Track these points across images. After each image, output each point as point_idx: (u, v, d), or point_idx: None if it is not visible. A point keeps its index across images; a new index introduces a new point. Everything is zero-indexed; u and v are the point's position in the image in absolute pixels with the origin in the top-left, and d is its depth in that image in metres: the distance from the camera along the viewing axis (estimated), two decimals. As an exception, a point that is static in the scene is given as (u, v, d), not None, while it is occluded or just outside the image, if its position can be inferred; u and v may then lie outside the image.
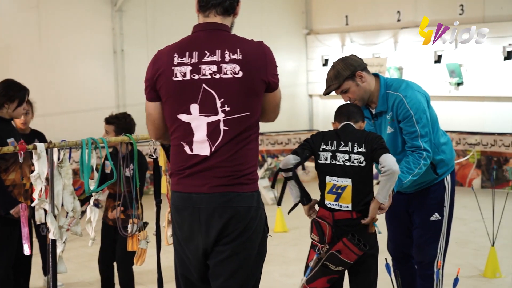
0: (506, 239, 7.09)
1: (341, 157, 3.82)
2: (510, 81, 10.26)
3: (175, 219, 3.25)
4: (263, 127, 12.33)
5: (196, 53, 3.11)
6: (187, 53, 3.12)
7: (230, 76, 3.06)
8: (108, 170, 5.15)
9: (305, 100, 13.47)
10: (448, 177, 4.32)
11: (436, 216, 4.26)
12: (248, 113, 3.11)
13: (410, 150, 4.14)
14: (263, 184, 9.81)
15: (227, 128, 3.10)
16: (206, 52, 3.10)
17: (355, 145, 3.81)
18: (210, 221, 3.13)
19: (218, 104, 3.09)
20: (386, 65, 11.50)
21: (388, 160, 3.66)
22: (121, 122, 5.25)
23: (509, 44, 10.16)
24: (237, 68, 3.06)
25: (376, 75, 4.29)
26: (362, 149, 3.77)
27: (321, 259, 3.81)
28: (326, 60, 12.82)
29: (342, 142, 3.84)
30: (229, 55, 3.08)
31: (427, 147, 4.10)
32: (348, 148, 3.82)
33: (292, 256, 6.93)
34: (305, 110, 13.47)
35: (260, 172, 9.87)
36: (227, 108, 3.09)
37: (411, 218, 4.40)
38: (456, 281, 3.47)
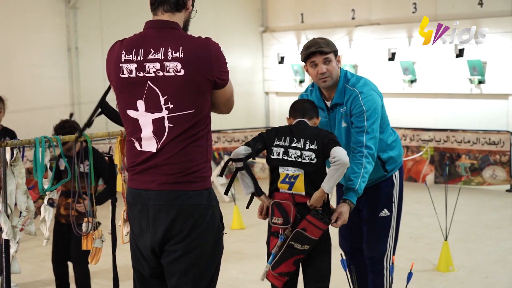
0: (458, 233, 7.22)
1: (293, 153, 3.84)
2: (461, 78, 10.46)
3: (129, 214, 3.30)
4: (220, 125, 12.31)
5: (142, 50, 3.14)
6: (134, 51, 3.16)
7: (172, 74, 3.08)
8: (62, 168, 5.10)
9: (261, 98, 13.51)
10: (397, 173, 4.36)
11: (385, 212, 4.28)
12: (193, 110, 3.11)
13: (353, 147, 4.14)
14: (220, 181, 9.80)
15: (171, 125, 3.12)
16: (151, 49, 3.13)
17: (307, 142, 3.83)
18: (157, 219, 3.15)
19: (162, 101, 3.11)
20: (341, 63, 11.58)
21: (338, 152, 3.69)
22: (66, 132, 5.13)
23: (460, 42, 10.33)
24: (179, 66, 3.07)
25: None
26: (314, 146, 3.80)
27: (285, 241, 3.82)
28: (282, 58, 12.88)
29: (295, 139, 3.86)
30: (172, 53, 3.09)
31: (370, 145, 4.08)
32: (300, 145, 3.84)
33: (250, 253, 6.95)
34: (262, 108, 13.51)
35: (217, 170, 9.87)
36: (170, 106, 3.10)
37: (360, 214, 4.41)
38: (409, 275, 3.53)
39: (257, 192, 3.93)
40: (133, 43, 3.19)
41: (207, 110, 3.20)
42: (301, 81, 12.52)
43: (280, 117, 13.02)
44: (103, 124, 9.85)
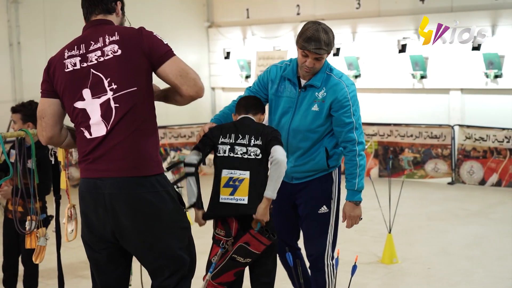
0: (402, 225, 7.35)
1: (239, 150, 3.85)
2: (404, 73, 10.65)
3: (82, 205, 3.35)
4: (166, 120, 12.19)
5: (83, 44, 3.33)
6: (75, 47, 3.35)
7: (111, 55, 3.26)
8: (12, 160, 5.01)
9: (207, 93, 13.46)
10: (336, 171, 4.34)
11: (324, 209, 4.23)
12: (135, 88, 3.25)
13: (342, 145, 4.14)
14: (168, 177, 9.74)
15: (117, 105, 3.24)
16: (91, 42, 3.32)
17: (252, 138, 3.84)
18: (115, 207, 3.24)
19: (106, 84, 3.26)
20: (286, 58, 11.64)
21: (277, 151, 3.71)
22: (27, 110, 5.10)
23: (403, 38, 10.53)
24: (116, 47, 3.26)
25: None
26: (259, 142, 3.81)
27: (226, 253, 3.83)
28: (228, 53, 12.87)
29: (240, 135, 3.87)
30: (109, 38, 3.29)
31: (362, 140, 4.14)
32: (245, 141, 3.85)
33: (196, 248, 6.92)
34: (208, 103, 13.48)
35: (163, 166, 9.80)
36: (114, 86, 3.25)
37: (297, 210, 4.37)
38: (354, 268, 3.57)
39: (197, 204, 3.89)
40: (73, 42, 3.37)
41: (149, 89, 3.32)
42: (247, 76, 12.54)
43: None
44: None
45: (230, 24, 12.97)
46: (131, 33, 3.30)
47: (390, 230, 6.28)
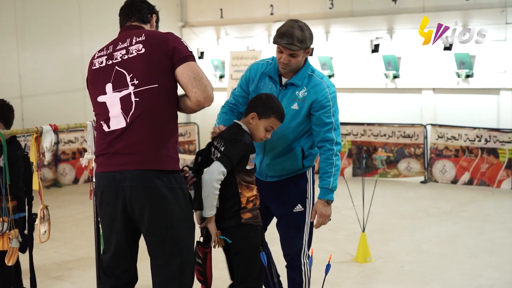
0: (375, 224, 7.40)
1: (216, 154, 3.89)
2: (377, 73, 10.72)
3: (102, 198, 3.51)
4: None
5: (112, 45, 3.59)
6: (105, 48, 3.61)
7: (135, 54, 3.45)
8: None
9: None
10: (310, 171, 4.38)
11: (299, 208, 4.27)
12: (156, 85, 3.41)
13: (319, 144, 4.18)
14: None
15: (137, 99, 3.40)
16: (119, 42, 3.57)
17: (222, 143, 3.87)
18: (133, 200, 3.40)
19: (128, 79, 3.44)
20: (260, 58, 11.66)
21: (208, 169, 3.76)
22: None
23: (376, 38, 10.60)
24: (140, 46, 3.47)
25: None
26: (223, 148, 3.84)
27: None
28: (202, 53, 12.85)
29: (221, 139, 3.93)
30: (135, 39, 3.52)
31: (339, 141, 4.20)
32: (219, 145, 3.88)
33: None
34: (182, 103, 13.43)
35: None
36: (136, 82, 3.42)
37: (269, 211, 4.40)
38: (328, 267, 3.59)
39: (194, 205, 3.82)
40: (106, 44, 3.64)
41: (171, 89, 3.49)
42: (221, 76, 12.52)
43: (201, 112, 12.97)
44: (19, 121, 9.62)
45: (204, 24, 12.95)
46: (158, 35, 3.54)
47: (363, 229, 6.32)
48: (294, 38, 4.10)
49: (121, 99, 3.43)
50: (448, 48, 9.78)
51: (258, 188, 4.05)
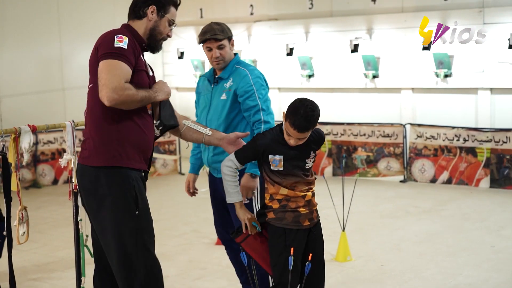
0: (355, 224, 7.43)
1: None
2: (357, 73, 10.76)
3: (143, 193, 3.63)
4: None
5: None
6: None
7: (91, 55, 3.59)
8: None
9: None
10: None
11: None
12: (91, 85, 3.57)
13: (253, 128, 4.40)
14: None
15: (87, 98, 3.63)
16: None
17: None
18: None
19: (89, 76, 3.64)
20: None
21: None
22: None
23: (356, 38, 10.65)
24: (94, 48, 3.57)
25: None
26: None
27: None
28: (182, 53, 12.82)
29: None
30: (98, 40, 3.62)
31: (269, 119, 4.39)
32: None
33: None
34: (162, 103, 13.39)
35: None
36: (88, 80, 3.60)
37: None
38: (308, 266, 3.61)
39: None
40: None
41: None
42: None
43: (180, 113, 12.94)
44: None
45: (184, 23, 12.91)
46: (103, 35, 3.59)
47: (344, 228, 6.34)
48: (215, 30, 4.52)
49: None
50: (426, 48, 9.86)
51: (213, 184, 4.43)
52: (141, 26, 3.74)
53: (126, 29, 3.70)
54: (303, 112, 3.70)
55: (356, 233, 7.20)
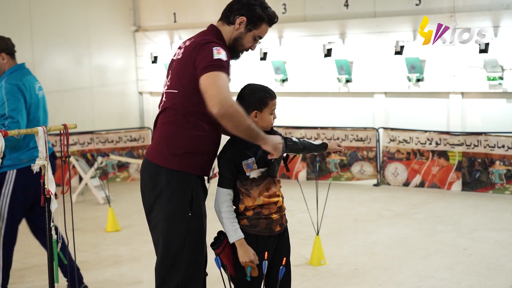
0: (329, 227, 7.46)
1: None
2: (330, 77, 10.82)
3: (200, 196, 3.67)
4: (93, 126, 11.95)
5: (187, 40, 3.73)
6: (187, 40, 3.76)
7: (175, 58, 3.65)
8: None
9: (135, 98, 13.36)
10: (11, 172, 5.17)
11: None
12: (176, 91, 3.59)
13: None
14: (94, 183, 9.62)
15: (165, 99, 3.68)
16: (187, 40, 3.72)
17: None
18: None
19: (167, 80, 3.68)
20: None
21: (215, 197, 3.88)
22: None
23: (329, 42, 10.70)
24: (181, 51, 3.62)
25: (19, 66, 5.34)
26: None
27: None
28: (155, 57, 12.79)
29: None
30: (188, 43, 3.65)
31: (10, 126, 4.82)
32: None
33: (125, 255, 6.86)
34: (136, 108, 13.36)
35: (90, 171, 9.67)
36: (168, 83, 3.66)
37: None
38: (282, 270, 3.62)
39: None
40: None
41: (187, 96, 3.57)
42: (175, 81, 12.47)
43: (154, 117, 12.90)
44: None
45: (157, 28, 12.90)
46: (196, 43, 3.57)
47: (318, 232, 6.37)
48: None
49: (162, 94, 3.76)
50: (399, 52, 9.95)
51: None
52: (228, 32, 3.73)
53: (212, 31, 3.72)
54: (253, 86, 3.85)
55: (330, 236, 7.23)
